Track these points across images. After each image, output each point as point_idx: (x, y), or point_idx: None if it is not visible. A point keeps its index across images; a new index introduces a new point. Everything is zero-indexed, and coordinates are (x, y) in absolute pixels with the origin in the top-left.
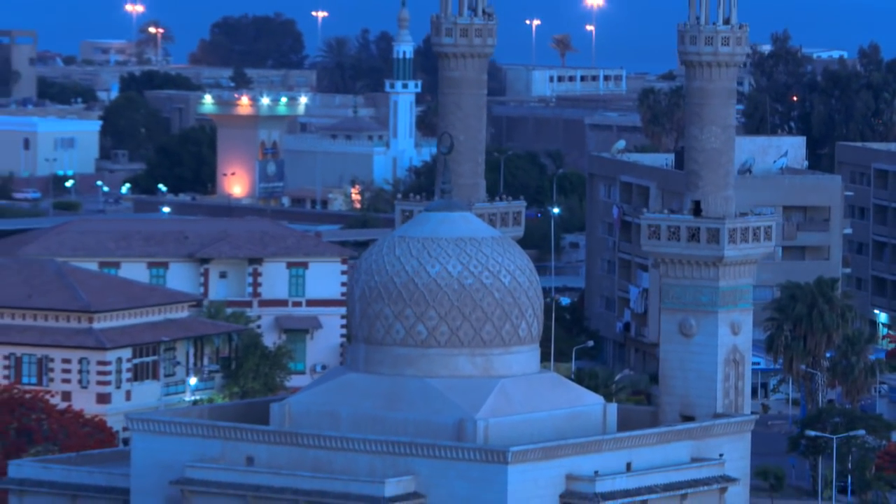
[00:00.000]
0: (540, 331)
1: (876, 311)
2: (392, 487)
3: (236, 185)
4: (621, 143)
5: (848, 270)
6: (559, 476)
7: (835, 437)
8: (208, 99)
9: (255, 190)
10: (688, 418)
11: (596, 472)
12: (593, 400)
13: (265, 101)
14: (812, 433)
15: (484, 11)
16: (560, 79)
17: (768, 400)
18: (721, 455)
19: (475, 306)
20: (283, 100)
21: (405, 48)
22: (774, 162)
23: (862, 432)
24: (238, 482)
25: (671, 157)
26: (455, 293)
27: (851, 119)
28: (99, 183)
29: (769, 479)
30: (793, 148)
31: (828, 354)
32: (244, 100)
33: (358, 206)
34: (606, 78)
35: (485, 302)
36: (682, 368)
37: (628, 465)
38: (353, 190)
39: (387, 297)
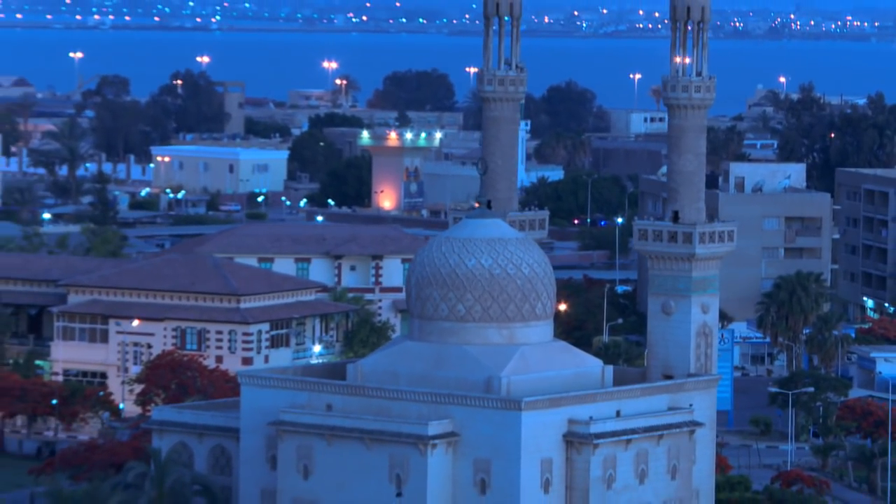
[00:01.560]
0: (552, 310)
1: (864, 298)
2: (434, 428)
3: (386, 200)
4: (664, 169)
5: (836, 266)
6: (562, 420)
7: (790, 392)
8: (365, 134)
9: (401, 204)
10: (668, 377)
11: (590, 418)
12: (594, 363)
13: (408, 135)
14: (774, 390)
15: (517, 66)
16: (653, 119)
17: (772, 365)
18: (691, 405)
19: (502, 291)
20: (423, 135)
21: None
22: (780, 183)
23: (811, 389)
24: (319, 424)
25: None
26: (486, 281)
27: (861, 151)
28: (283, 198)
29: (760, 426)
30: (795, 172)
31: (806, 331)
32: (392, 135)
33: None
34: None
35: (509, 287)
36: (663, 339)
37: (618, 412)
38: (475, 204)
39: (434, 283)
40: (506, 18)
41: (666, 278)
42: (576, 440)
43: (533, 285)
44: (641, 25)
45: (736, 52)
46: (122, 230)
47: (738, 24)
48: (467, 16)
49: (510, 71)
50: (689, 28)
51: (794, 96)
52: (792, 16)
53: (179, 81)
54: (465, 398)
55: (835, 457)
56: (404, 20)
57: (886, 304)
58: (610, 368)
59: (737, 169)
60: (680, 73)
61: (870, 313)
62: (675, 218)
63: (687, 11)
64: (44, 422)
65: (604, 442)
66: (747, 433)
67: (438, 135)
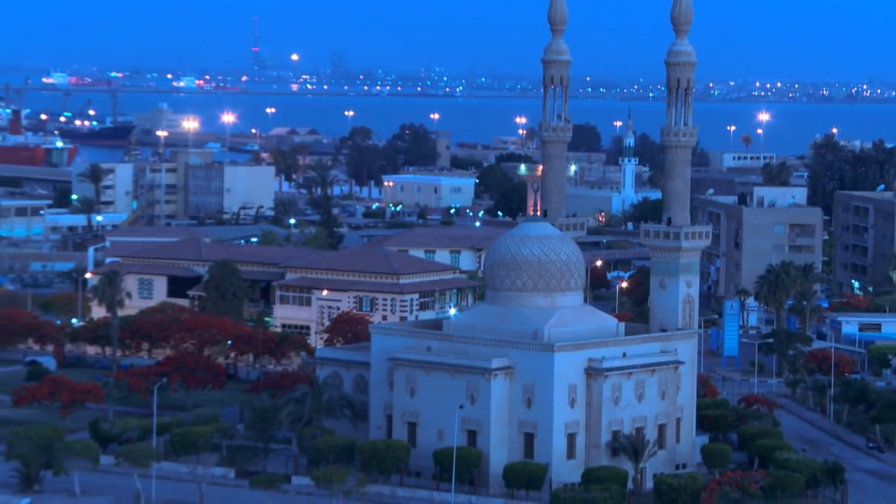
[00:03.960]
0: (582, 284)
1: (853, 281)
2: (495, 363)
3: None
4: (710, 191)
5: (826, 259)
6: (584, 359)
7: (771, 339)
8: (522, 167)
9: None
10: (663, 330)
11: (603, 357)
12: (611, 320)
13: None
14: (758, 342)
15: (565, 118)
16: (740, 157)
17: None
18: (676, 349)
19: (546, 271)
20: None
21: (629, 141)
22: (786, 201)
23: (771, 340)
24: (420, 360)
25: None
26: (536, 264)
27: (866, 180)
28: (468, 211)
29: (755, 367)
30: (799, 193)
31: (789, 302)
32: (540, 167)
33: (602, 223)
34: (762, 158)
35: (551, 269)
36: (660, 305)
37: (624, 354)
38: (599, 216)
39: (501, 265)
40: (558, 89)
41: (662, 263)
42: (593, 372)
43: (568, 267)
44: (756, 93)
45: (819, 112)
46: (354, 231)
47: (824, 91)
48: (635, 86)
49: (560, 122)
50: (679, 93)
51: (844, 143)
52: (864, 86)
53: (407, 131)
54: (518, 343)
55: (801, 388)
56: (590, 89)
57: (867, 287)
58: (622, 324)
59: (759, 191)
60: (672, 124)
61: (856, 292)
62: (669, 222)
63: (677, 82)
64: (265, 358)
65: (612, 374)
66: (747, 371)
67: (573, 167)
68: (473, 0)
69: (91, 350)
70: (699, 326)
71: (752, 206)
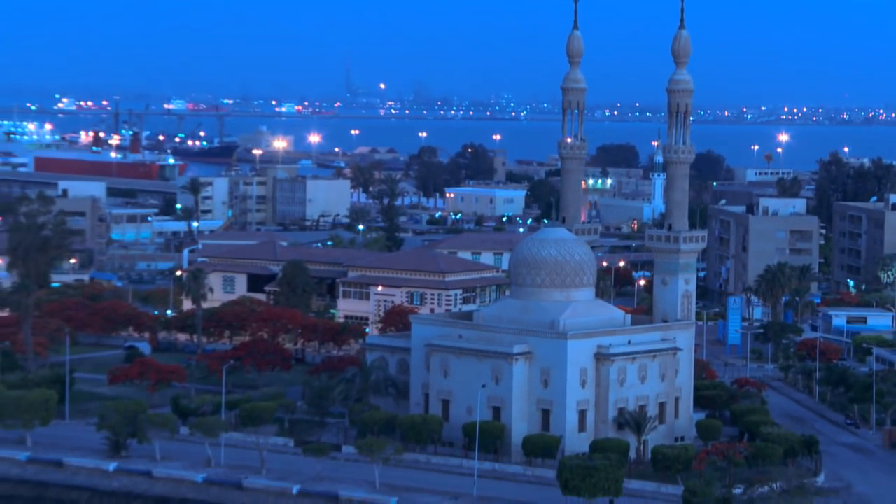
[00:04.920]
0: (594, 281)
1: (849, 280)
2: (517, 349)
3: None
4: (723, 202)
5: (822, 260)
6: (594, 346)
7: (761, 330)
8: None
9: (587, 219)
10: (665, 321)
11: (610, 344)
12: (619, 312)
13: (590, 180)
14: (755, 332)
15: (581, 138)
16: (762, 173)
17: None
18: (674, 338)
19: (562, 269)
20: (600, 181)
21: (659, 158)
22: (788, 210)
23: (762, 331)
24: (453, 346)
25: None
26: (554, 263)
27: (865, 192)
28: (518, 219)
29: (755, 354)
30: (799, 203)
31: (784, 298)
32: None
33: (634, 229)
34: (780, 173)
35: (567, 267)
36: (662, 299)
37: (629, 341)
38: (632, 223)
39: (523, 264)
40: (575, 112)
41: (664, 263)
42: (601, 357)
43: (581, 266)
44: (784, 116)
45: (837, 133)
46: (417, 236)
47: (844, 115)
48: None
49: (576, 141)
50: (678, 115)
51: (850, 159)
52: (881, 110)
53: (469, 149)
54: (536, 332)
55: (792, 372)
56: (638, 113)
57: (860, 285)
58: (629, 316)
59: (764, 202)
60: (672, 143)
61: (851, 290)
62: (669, 227)
63: (676, 107)
64: (329, 345)
65: (618, 358)
66: (749, 358)
67: (609, 181)
68: (539, 35)
69: (181, 337)
70: (707, 319)
71: (758, 215)
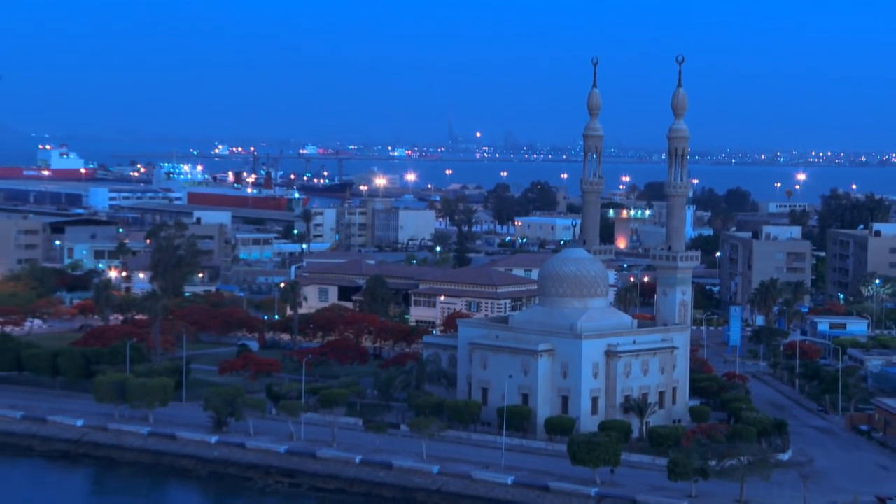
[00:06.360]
0: (607, 292)
1: (840, 294)
2: (541, 346)
3: (621, 243)
4: (733, 228)
5: (814, 277)
6: (604, 344)
7: (750, 333)
8: (612, 211)
9: (628, 246)
10: (665, 325)
11: (618, 343)
12: (627, 318)
13: (631, 211)
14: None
15: (599, 175)
16: (782, 206)
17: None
18: (672, 338)
19: (580, 282)
20: (639, 211)
21: (689, 193)
22: (786, 235)
23: (749, 334)
24: (491, 344)
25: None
26: (573, 278)
27: (861, 220)
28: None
29: (752, 353)
30: (795, 230)
31: (776, 308)
32: (624, 212)
33: None
34: (796, 206)
35: (584, 281)
36: (663, 307)
37: (634, 341)
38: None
39: (548, 278)
40: (594, 155)
41: (664, 278)
42: (610, 354)
43: (596, 280)
44: (811, 159)
45: (854, 173)
46: (487, 256)
47: (862, 158)
48: (723, 154)
49: (594, 178)
50: (677, 156)
51: (857, 195)
52: (893, 154)
53: (537, 186)
54: (558, 333)
55: (779, 368)
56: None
57: (848, 298)
58: (635, 321)
59: (767, 229)
60: (672, 179)
61: (841, 302)
62: (669, 248)
63: (675, 151)
64: (402, 344)
65: (624, 355)
66: (745, 357)
67: (648, 211)
68: (608, 88)
69: (284, 337)
70: (716, 325)
71: (761, 240)
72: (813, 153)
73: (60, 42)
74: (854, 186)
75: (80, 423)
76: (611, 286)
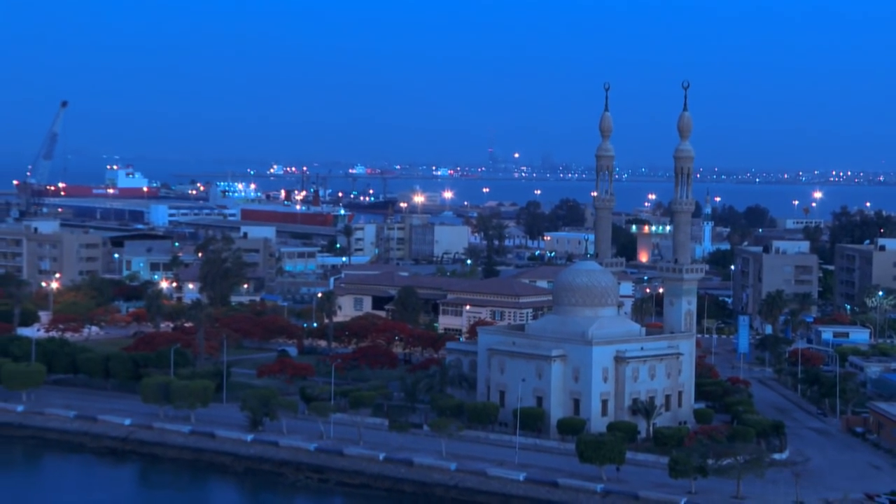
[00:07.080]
0: (616, 301)
1: (846, 305)
2: (555, 352)
3: (643, 257)
4: (745, 243)
5: (821, 289)
6: (613, 351)
7: (760, 337)
8: (633, 227)
9: (650, 259)
10: (671, 333)
11: (626, 349)
12: (636, 326)
13: (652, 227)
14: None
15: (611, 193)
16: (798, 222)
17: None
18: (678, 345)
19: (591, 292)
20: (661, 227)
21: (707, 209)
22: (795, 250)
23: (754, 342)
24: (508, 350)
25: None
26: (585, 288)
27: (869, 235)
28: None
29: (760, 360)
30: (803, 245)
31: (782, 317)
32: (646, 227)
33: None
34: (813, 222)
35: (595, 291)
36: (670, 316)
37: (641, 348)
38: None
39: (562, 288)
40: (605, 174)
41: (671, 288)
42: (619, 359)
43: (606, 291)
44: (831, 179)
45: (871, 192)
46: (516, 269)
47: (881, 178)
48: (747, 174)
49: (606, 196)
50: (682, 175)
51: (866, 210)
52: None
53: (567, 203)
54: (570, 340)
55: (783, 373)
56: (714, 176)
57: (854, 308)
58: (643, 328)
59: (776, 243)
60: (678, 197)
61: (847, 313)
62: (676, 261)
63: (681, 170)
64: (430, 350)
65: (632, 360)
66: (752, 363)
67: (668, 227)
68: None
69: (321, 343)
70: (728, 333)
71: (771, 254)
72: (834, 172)
73: (132, 70)
74: (868, 204)
75: (127, 422)
76: (628, 297)
